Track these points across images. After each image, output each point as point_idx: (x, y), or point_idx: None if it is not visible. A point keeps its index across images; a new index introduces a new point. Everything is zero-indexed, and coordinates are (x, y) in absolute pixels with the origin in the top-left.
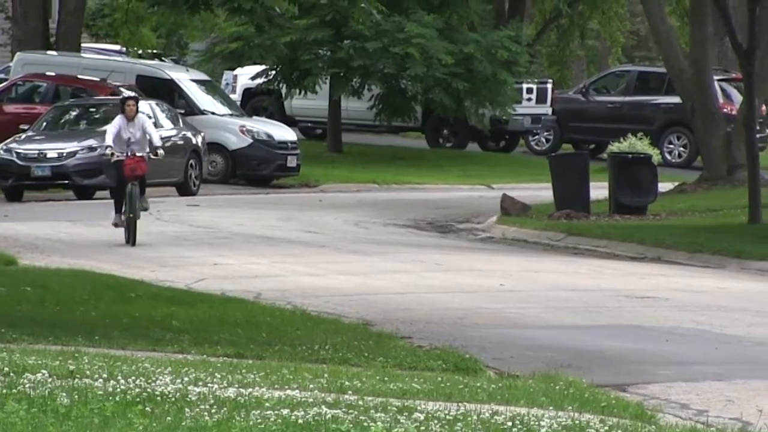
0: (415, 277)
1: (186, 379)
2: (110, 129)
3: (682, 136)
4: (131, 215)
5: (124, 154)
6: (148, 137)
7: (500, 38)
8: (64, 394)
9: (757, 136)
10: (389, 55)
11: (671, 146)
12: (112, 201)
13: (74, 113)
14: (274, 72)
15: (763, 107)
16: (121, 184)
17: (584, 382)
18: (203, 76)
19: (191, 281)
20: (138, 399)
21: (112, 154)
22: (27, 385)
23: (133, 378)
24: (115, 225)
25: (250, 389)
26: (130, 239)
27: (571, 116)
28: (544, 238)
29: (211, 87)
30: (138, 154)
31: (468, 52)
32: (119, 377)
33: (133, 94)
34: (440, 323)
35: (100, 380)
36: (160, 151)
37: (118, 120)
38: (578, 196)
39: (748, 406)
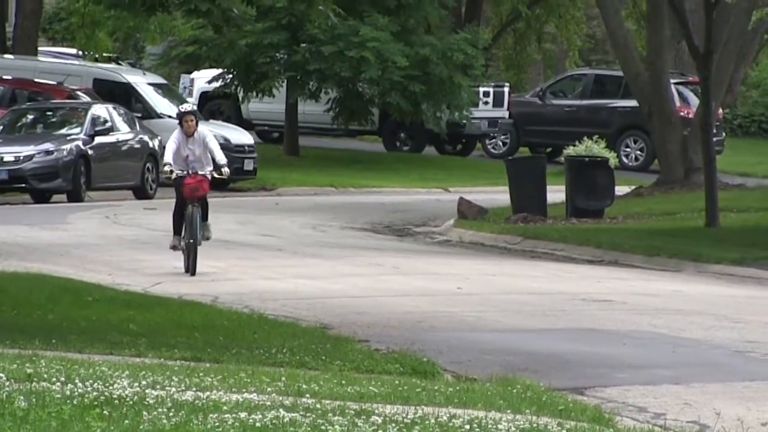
0: (372, 281)
1: (143, 382)
2: (169, 145)
3: (638, 139)
4: (191, 240)
5: (185, 172)
6: (209, 154)
7: (456, 41)
8: (21, 397)
9: (714, 139)
10: (345, 59)
11: (628, 150)
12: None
13: (31, 117)
14: (230, 75)
15: (720, 110)
16: (181, 205)
17: (542, 385)
18: (160, 80)
19: (148, 285)
20: (96, 402)
21: (171, 171)
22: None
23: (91, 381)
24: (173, 248)
25: (208, 393)
26: (190, 268)
27: (528, 120)
28: (501, 242)
29: (168, 90)
30: (200, 173)
31: (424, 55)
32: (77, 381)
33: (191, 108)
34: (398, 327)
35: (58, 384)
36: (225, 170)
37: (177, 135)
38: (535, 200)
39: (706, 409)
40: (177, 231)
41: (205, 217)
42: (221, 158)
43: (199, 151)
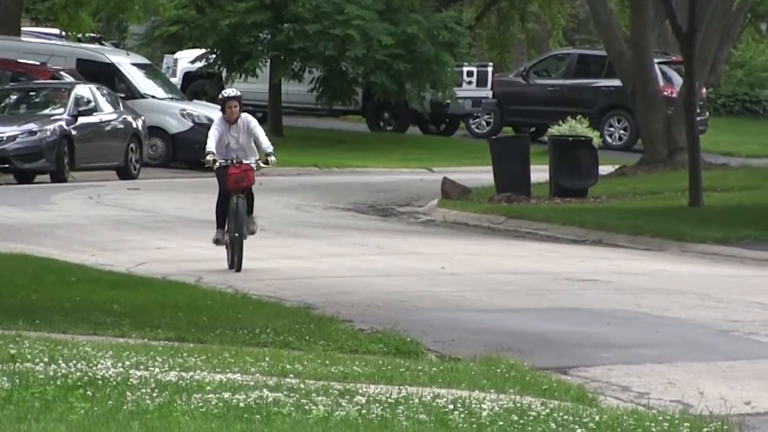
0: (356, 261)
1: (127, 362)
2: (211, 133)
3: (622, 119)
4: (236, 234)
5: (228, 161)
6: (252, 142)
7: (442, 19)
8: (5, 378)
9: (698, 118)
10: (329, 38)
11: (612, 129)
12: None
13: (14, 97)
14: (214, 55)
15: (704, 90)
16: (225, 196)
17: (525, 365)
18: (143, 60)
19: (132, 265)
20: (79, 383)
21: (214, 161)
22: None
23: (74, 362)
24: (216, 242)
25: (192, 373)
26: (235, 264)
27: (512, 99)
28: (484, 222)
29: (152, 71)
30: (245, 162)
31: (410, 33)
32: (60, 361)
33: (235, 92)
34: (381, 307)
35: (41, 364)
36: (272, 158)
37: (219, 123)
38: (519, 180)
39: (689, 388)
40: (221, 224)
41: (250, 210)
42: (268, 145)
43: (243, 138)
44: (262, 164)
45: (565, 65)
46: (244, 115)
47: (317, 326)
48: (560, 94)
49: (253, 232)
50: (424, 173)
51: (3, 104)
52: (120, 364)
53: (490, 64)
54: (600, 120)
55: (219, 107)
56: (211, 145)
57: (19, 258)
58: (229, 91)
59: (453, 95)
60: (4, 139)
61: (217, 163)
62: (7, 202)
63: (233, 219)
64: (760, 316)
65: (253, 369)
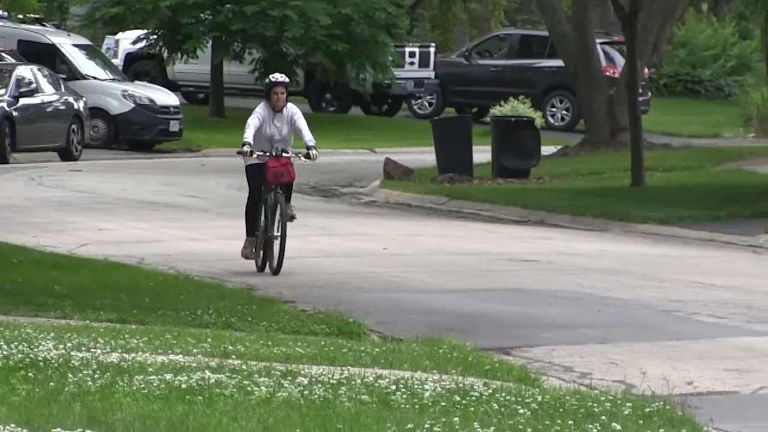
0: (298, 242)
1: (69, 344)
2: (251, 121)
3: (564, 99)
4: (275, 234)
5: (267, 155)
6: (293, 134)
7: (378, 0)
8: None
9: (640, 99)
10: (268, 19)
11: (554, 109)
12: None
13: None
14: (155, 36)
15: (646, 70)
16: (258, 194)
17: (468, 345)
18: (85, 41)
19: (74, 246)
20: (21, 365)
21: (251, 152)
22: None
23: (16, 344)
24: (246, 257)
25: (134, 354)
26: (275, 264)
27: (454, 80)
28: (427, 202)
29: (93, 52)
30: (285, 155)
31: (346, 14)
32: (1, 343)
33: (283, 78)
34: (324, 287)
35: None
36: (315, 152)
37: (261, 110)
38: (461, 160)
39: (632, 368)
40: (251, 231)
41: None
42: (310, 138)
43: (286, 130)
44: (303, 158)
45: (508, 46)
46: (290, 105)
47: (259, 307)
48: (502, 75)
49: (292, 218)
50: (366, 154)
51: None
52: (62, 346)
53: (433, 44)
54: (542, 100)
55: (265, 93)
56: (249, 134)
57: None
58: (276, 76)
59: (392, 77)
60: None
61: (255, 155)
62: None
63: (270, 217)
64: (702, 296)
65: (195, 350)
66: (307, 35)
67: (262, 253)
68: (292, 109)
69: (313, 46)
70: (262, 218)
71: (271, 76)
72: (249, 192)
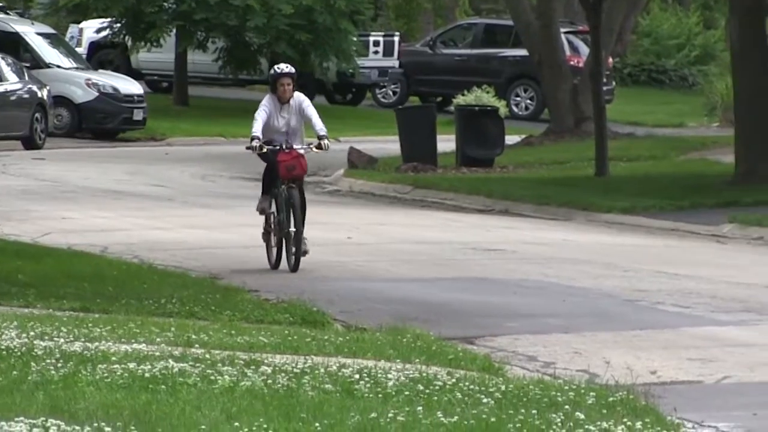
0: (262, 231)
1: (32, 333)
2: (258, 114)
3: (529, 88)
4: (291, 229)
5: (277, 147)
6: (302, 124)
7: None
8: None
9: (604, 88)
10: (230, 8)
11: (518, 99)
12: None
13: None
14: (119, 25)
15: (610, 59)
16: (274, 183)
17: (432, 334)
18: (49, 30)
19: (37, 235)
20: None
21: (260, 146)
22: None
23: None
24: (261, 211)
25: (97, 343)
26: (291, 262)
27: (418, 69)
28: (391, 191)
29: (57, 40)
30: (296, 147)
31: (308, 4)
32: None
33: (288, 69)
34: (287, 276)
35: None
36: (326, 142)
37: (267, 102)
38: (425, 149)
39: (595, 358)
40: (266, 189)
41: (303, 209)
42: (321, 128)
43: (295, 121)
44: (315, 149)
45: (472, 35)
46: (297, 94)
47: (223, 296)
48: (467, 64)
49: (305, 253)
50: (330, 143)
51: None
52: (25, 335)
53: (397, 33)
54: (506, 90)
55: (271, 84)
56: (257, 128)
57: None
58: (282, 66)
59: (356, 66)
60: None
61: (265, 149)
62: None
63: (284, 210)
64: (666, 285)
65: (158, 339)
66: (270, 24)
67: (275, 250)
68: (300, 98)
69: (276, 36)
70: (276, 213)
71: (276, 67)
72: (267, 165)
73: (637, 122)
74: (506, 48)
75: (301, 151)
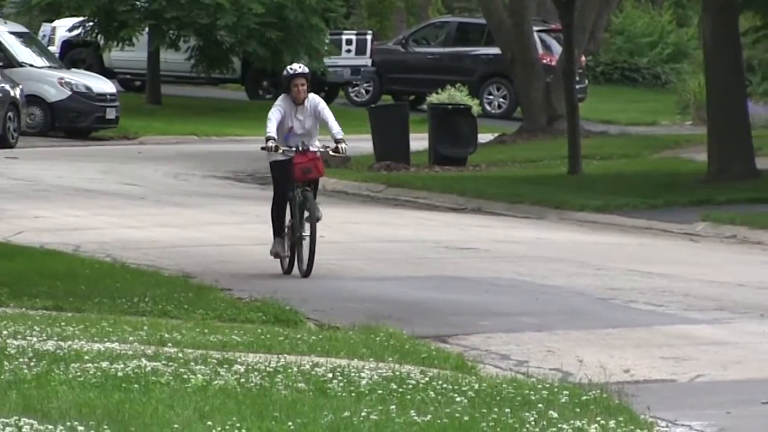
0: (235, 229)
1: (5, 332)
2: (272, 115)
3: (501, 87)
4: (303, 234)
5: (293, 149)
6: (317, 127)
7: None
8: None
9: (577, 86)
10: (201, 6)
11: (491, 97)
12: None
13: None
14: (91, 24)
15: (582, 58)
16: (284, 191)
17: (405, 333)
18: (21, 28)
19: (10, 234)
20: None
21: (276, 147)
22: None
23: None
24: (275, 255)
25: (70, 342)
26: (305, 266)
27: (391, 67)
28: (364, 190)
29: (30, 39)
30: (312, 149)
31: (278, 1)
32: None
33: (303, 69)
34: (260, 275)
35: None
36: (343, 145)
37: (281, 104)
38: (398, 148)
39: (568, 356)
40: (278, 231)
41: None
42: (338, 130)
43: (310, 122)
44: (332, 152)
45: (445, 33)
46: (312, 95)
47: (196, 295)
48: (439, 63)
49: (318, 218)
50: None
51: None
52: None
53: (370, 32)
54: (479, 88)
55: (284, 85)
56: (271, 128)
57: None
58: (295, 67)
59: (323, 67)
60: None
61: (281, 150)
62: None
63: (299, 216)
64: (639, 284)
65: (131, 338)
66: (240, 23)
67: (295, 255)
68: (315, 100)
69: (247, 34)
70: (288, 217)
71: (289, 67)
72: (274, 190)
73: (610, 120)
74: (479, 46)
75: (318, 154)
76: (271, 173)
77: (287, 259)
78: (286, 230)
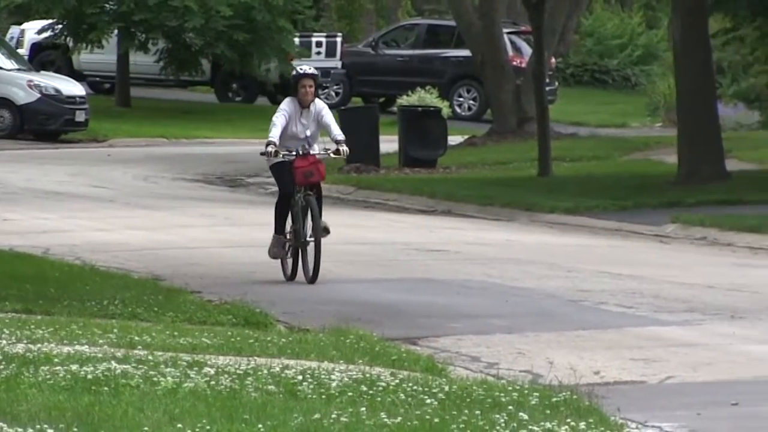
0: (204, 232)
1: None
2: (277, 119)
3: (471, 89)
4: (309, 239)
5: (294, 153)
6: (319, 132)
7: None
8: None
9: (547, 88)
10: (169, 9)
11: (461, 99)
12: None
13: None
14: (60, 26)
15: (553, 60)
16: (289, 189)
17: (375, 335)
18: None
19: None
20: None
21: (276, 152)
22: None
23: None
24: (274, 256)
25: (39, 345)
26: (311, 272)
27: (361, 70)
28: (334, 192)
29: None
30: (313, 153)
31: (245, 2)
32: None
33: (311, 70)
34: (230, 277)
35: None
36: (344, 148)
37: (287, 106)
38: (368, 150)
39: (539, 358)
40: (280, 229)
41: (319, 209)
42: (339, 133)
43: (313, 127)
44: (333, 154)
45: (414, 35)
46: (317, 100)
47: (166, 298)
48: (409, 65)
49: (327, 232)
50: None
51: None
52: None
53: (339, 34)
54: (449, 90)
55: (292, 86)
56: (275, 133)
57: None
58: (304, 68)
59: (292, 69)
60: None
61: (280, 155)
62: None
63: (302, 219)
64: (610, 285)
65: (101, 341)
66: (209, 25)
67: (290, 261)
68: (319, 105)
69: (216, 37)
70: (290, 222)
71: (298, 68)
72: (279, 188)
73: (580, 122)
74: (449, 48)
75: (319, 157)
76: (273, 176)
77: (289, 263)
78: (287, 235)
